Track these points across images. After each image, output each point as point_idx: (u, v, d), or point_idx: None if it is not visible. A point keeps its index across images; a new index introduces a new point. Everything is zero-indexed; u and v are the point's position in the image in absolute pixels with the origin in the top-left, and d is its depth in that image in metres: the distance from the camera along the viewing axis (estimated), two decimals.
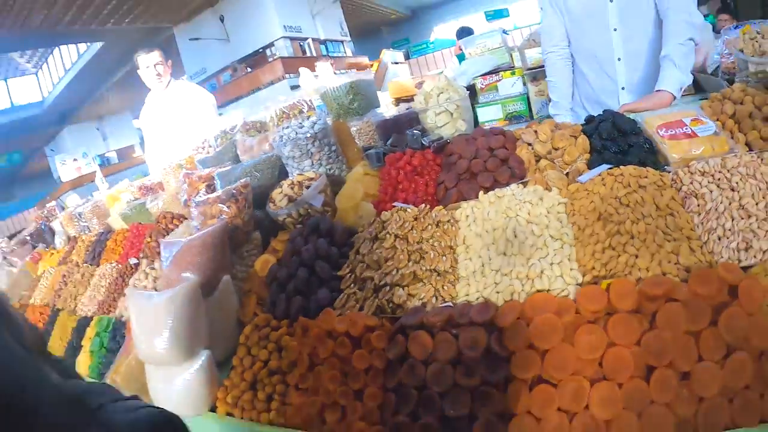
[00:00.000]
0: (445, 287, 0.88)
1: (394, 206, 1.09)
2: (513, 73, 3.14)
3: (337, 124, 1.44)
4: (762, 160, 0.95)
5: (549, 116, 2.47)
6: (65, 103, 25.20)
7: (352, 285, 0.97)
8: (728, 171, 0.94)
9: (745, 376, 0.65)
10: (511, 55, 3.38)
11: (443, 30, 33.98)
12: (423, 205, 1.05)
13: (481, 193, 1.03)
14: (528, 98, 3.09)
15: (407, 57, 30.03)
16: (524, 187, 1.04)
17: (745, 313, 0.68)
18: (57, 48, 22.62)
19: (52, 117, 26.35)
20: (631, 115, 1.25)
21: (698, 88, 2.46)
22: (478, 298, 0.84)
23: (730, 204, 0.87)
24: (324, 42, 20.81)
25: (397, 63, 26.10)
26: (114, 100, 26.76)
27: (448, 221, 1.00)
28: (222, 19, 16.43)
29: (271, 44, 16.94)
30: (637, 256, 0.81)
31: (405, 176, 1.17)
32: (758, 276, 0.73)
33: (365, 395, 0.81)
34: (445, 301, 0.86)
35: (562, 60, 1.89)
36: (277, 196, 1.25)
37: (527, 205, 0.97)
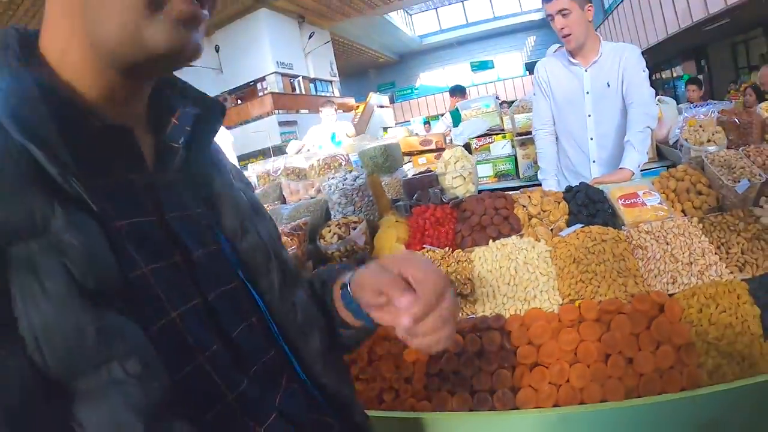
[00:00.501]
0: (467, 306, 1.24)
1: (424, 248, 1.46)
2: (504, 137, 3.60)
3: (372, 178, 1.82)
4: (691, 223, 1.35)
5: (534, 176, 2.92)
6: None
7: None
8: (665, 231, 1.33)
9: (669, 360, 1.01)
10: (502, 118, 3.84)
11: (428, 77, 34.90)
12: (447, 248, 1.42)
13: (490, 241, 1.41)
14: (516, 160, 3.52)
15: (392, 101, 30.37)
16: (521, 238, 1.42)
17: (668, 322, 1.05)
18: None
19: None
20: (600, 186, 1.65)
21: (661, 155, 2.94)
22: (491, 313, 1.20)
23: (664, 253, 1.26)
24: (314, 81, 21.42)
25: (382, 107, 26.60)
26: None
27: (466, 260, 1.37)
28: (217, 49, 16.89)
29: (263, 78, 17.36)
30: (599, 286, 1.18)
31: (430, 225, 1.54)
32: (678, 299, 1.11)
33: (413, 380, 1.15)
34: (469, 315, 1.21)
35: (548, 136, 2.34)
36: (327, 234, 1.61)
37: (524, 251, 1.35)
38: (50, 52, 0.50)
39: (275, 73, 16.78)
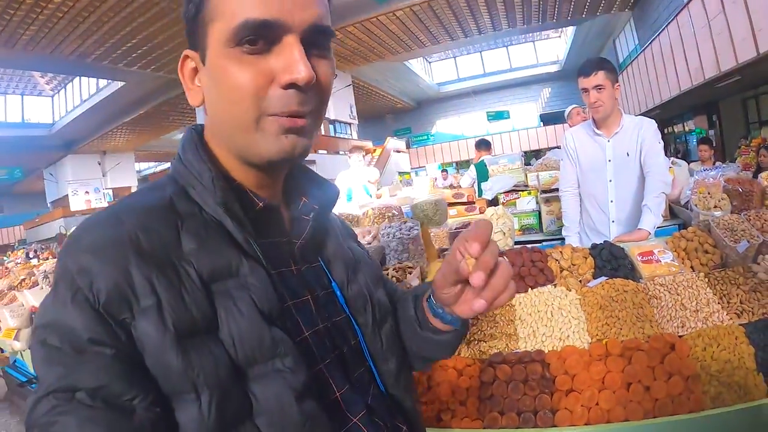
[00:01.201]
0: (512, 342, 1.51)
1: None
2: (529, 193, 3.89)
3: (423, 229, 2.10)
4: (698, 277, 1.61)
5: (556, 231, 3.20)
6: (73, 131, 24.95)
7: None
8: (676, 284, 1.59)
9: (678, 389, 1.26)
10: (526, 175, 4.12)
11: (444, 124, 35.14)
12: None
13: (528, 289, 1.69)
14: (540, 215, 3.77)
15: (408, 146, 30.40)
16: (555, 287, 1.69)
17: (678, 358, 1.31)
18: (78, 77, 22.31)
19: (57, 142, 25.70)
20: (621, 245, 1.93)
21: (673, 214, 3.21)
22: (533, 349, 1.46)
23: (675, 302, 1.52)
24: (333, 122, 21.86)
25: (399, 151, 26.72)
26: (121, 139, 26.45)
27: (508, 305, 1.64)
28: None
29: None
30: (621, 329, 1.44)
31: None
32: (686, 340, 1.37)
33: (467, 403, 1.40)
34: (514, 350, 1.48)
35: (573, 198, 2.63)
36: (386, 276, 1.89)
37: (558, 298, 1.62)
38: (213, 147, 0.69)
39: None
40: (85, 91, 22.68)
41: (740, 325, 1.40)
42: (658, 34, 11.67)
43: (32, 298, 3.96)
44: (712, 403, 1.25)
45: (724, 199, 2.00)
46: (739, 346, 1.33)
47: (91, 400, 0.50)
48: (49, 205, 28.90)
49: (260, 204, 0.67)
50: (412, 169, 25.32)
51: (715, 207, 1.99)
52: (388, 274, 1.88)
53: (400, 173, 21.92)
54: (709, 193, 2.06)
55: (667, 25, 11.04)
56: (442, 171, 14.67)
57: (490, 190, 4.03)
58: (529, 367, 1.38)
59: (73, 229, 0.60)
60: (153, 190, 0.65)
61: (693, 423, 1.21)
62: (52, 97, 26.13)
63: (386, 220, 2.47)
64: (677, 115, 15.06)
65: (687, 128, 14.89)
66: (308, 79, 0.58)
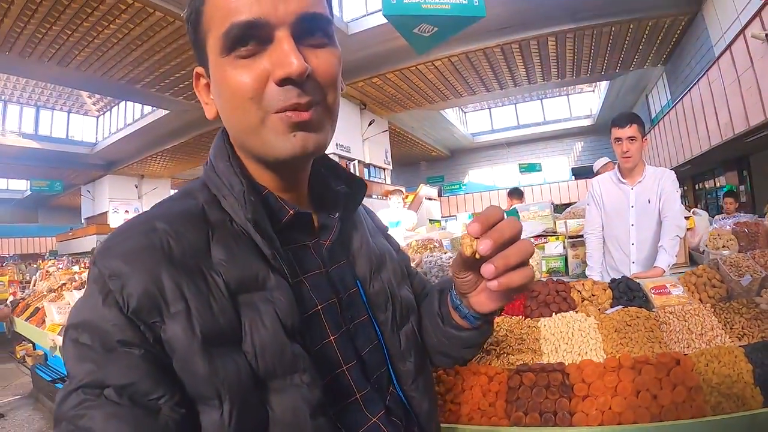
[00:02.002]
0: (535, 357, 1.73)
1: (501, 316, 1.96)
2: (557, 239, 4.09)
3: None
4: (704, 307, 1.81)
5: (580, 274, 3.39)
6: (114, 152, 25.72)
7: (482, 353, 1.81)
8: (684, 312, 1.79)
9: (682, 397, 1.45)
10: (555, 222, 4.33)
11: (477, 174, 35.15)
12: (520, 316, 1.92)
13: (553, 314, 1.91)
14: (566, 259, 3.97)
15: (440, 194, 30.17)
16: (576, 313, 1.91)
17: (683, 371, 1.50)
18: (125, 102, 23.17)
19: (98, 161, 26.78)
20: (637, 280, 2.13)
21: (693, 261, 3.37)
22: (555, 361, 1.68)
23: (682, 328, 1.72)
24: (368, 166, 22.18)
25: (431, 199, 26.65)
26: (159, 165, 27.37)
27: (534, 326, 1.86)
28: None
29: None
30: (633, 348, 1.65)
31: None
32: (691, 357, 1.56)
33: (496, 405, 1.61)
34: (539, 362, 1.69)
35: (597, 240, 2.85)
36: None
37: (578, 322, 1.83)
38: (238, 151, 0.69)
39: (333, 154, 17.68)
40: (129, 115, 23.58)
41: (740, 346, 1.59)
42: (689, 89, 11.89)
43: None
44: (712, 411, 1.43)
45: (732, 239, 2.21)
46: (738, 363, 1.52)
47: (119, 397, 0.52)
48: (83, 221, 29.84)
49: (291, 211, 0.68)
50: (442, 217, 25.34)
51: (724, 246, 2.19)
52: None
53: (431, 220, 22.11)
54: (719, 235, 2.26)
55: (697, 81, 11.28)
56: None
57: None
58: (551, 375, 1.59)
59: (108, 234, 0.62)
60: (185, 196, 0.66)
61: (695, 427, 1.40)
62: (97, 117, 27.31)
63: (428, 250, 2.74)
64: (708, 170, 15.03)
65: (718, 184, 14.80)
66: (300, 71, 0.57)
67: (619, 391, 1.51)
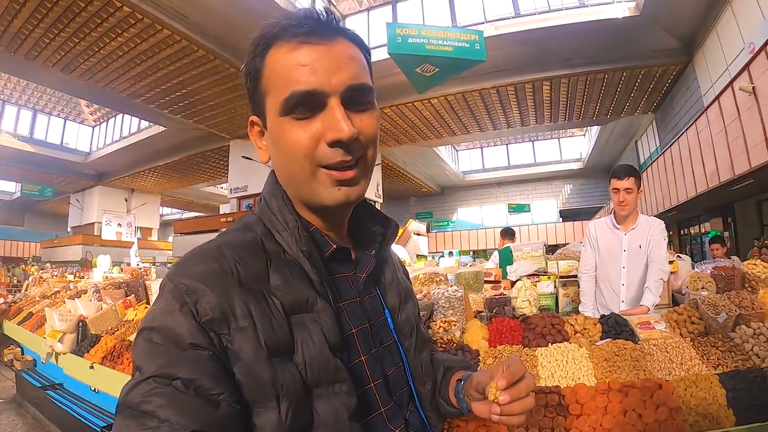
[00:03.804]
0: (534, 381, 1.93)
1: (501, 345, 2.17)
2: (548, 278, 4.31)
3: (465, 293, 2.58)
4: (684, 341, 2.03)
5: (572, 310, 3.60)
6: (107, 164, 25.62)
7: None
8: (666, 345, 2.00)
9: (664, 416, 1.65)
10: (547, 262, 4.55)
11: (465, 212, 35.08)
12: (518, 346, 2.13)
13: (549, 344, 2.12)
14: (557, 297, 4.17)
15: (428, 230, 29.75)
16: (570, 344, 2.12)
17: (665, 394, 1.71)
18: (122, 114, 23.04)
19: (90, 171, 26.59)
20: (624, 317, 2.35)
21: (675, 302, 3.60)
22: (552, 385, 1.88)
23: (664, 358, 1.93)
24: None
25: (419, 234, 26.37)
26: (150, 180, 27.23)
27: (532, 355, 2.07)
28: None
29: None
30: (620, 375, 1.86)
31: (507, 331, 2.26)
32: (672, 382, 1.77)
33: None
34: (537, 385, 1.89)
35: (591, 279, 3.08)
36: (435, 326, 2.33)
37: (572, 351, 2.04)
38: (288, 192, 0.77)
39: None
40: (125, 128, 23.47)
41: (716, 373, 1.81)
42: (678, 137, 12.25)
43: (82, 307, 4.25)
44: (690, 429, 1.63)
45: (711, 281, 2.44)
46: (714, 388, 1.73)
47: (185, 388, 0.58)
48: (69, 229, 29.24)
49: (334, 246, 0.76)
50: (429, 253, 25.51)
51: (703, 288, 2.43)
52: (436, 325, 2.33)
53: (418, 256, 22.18)
54: (698, 277, 2.50)
55: (686, 130, 11.64)
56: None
57: (514, 272, 4.48)
58: (549, 396, 1.79)
59: (184, 254, 0.71)
60: (246, 229, 0.75)
61: None
62: (93, 127, 27.11)
63: (434, 283, 2.97)
64: (694, 216, 15.36)
65: (703, 230, 15.14)
66: (350, 136, 0.66)
67: (609, 410, 1.71)
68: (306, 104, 0.66)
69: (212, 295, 0.63)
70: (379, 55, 11.78)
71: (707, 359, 1.91)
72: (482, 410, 0.78)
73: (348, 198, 0.71)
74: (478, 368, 1.12)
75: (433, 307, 2.42)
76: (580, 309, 3.14)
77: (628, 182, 2.88)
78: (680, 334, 2.14)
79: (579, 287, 3.20)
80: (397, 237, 0.95)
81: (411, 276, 3.33)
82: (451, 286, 2.56)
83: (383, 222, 0.89)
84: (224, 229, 0.82)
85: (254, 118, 0.77)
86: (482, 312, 2.55)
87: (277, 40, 0.69)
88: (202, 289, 0.63)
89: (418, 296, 2.55)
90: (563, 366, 1.97)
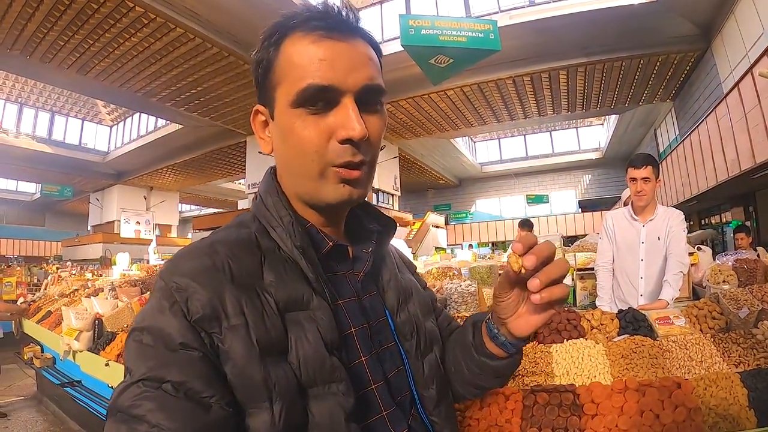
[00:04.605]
0: (548, 379, 1.88)
1: None
2: None
3: (478, 287, 2.54)
4: (704, 337, 1.97)
5: (588, 306, 3.54)
6: (126, 163, 26.05)
7: None
8: (686, 341, 1.95)
9: (683, 417, 1.60)
10: (564, 254, 4.49)
11: (484, 204, 35.01)
12: (533, 342, 2.09)
13: (564, 341, 2.07)
14: (574, 290, 4.12)
15: (447, 222, 29.79)
16: (585, 340, 2.07)
17: (683, 393, 1.66)
18: (139, 114, 23.46)
19: (109, 170, 27.11)
20: (643, 312, 2.29)
21: (696, 295, 3.52)
22: (567, 383, 1.83)
23: (683, 355, 1.87)
24: (377, 191, 22.16)
25: (437, 227, 26.37)
26: (169, 178, 27.70)
27: (547, 351, 2.02)
28: None
29: None
30: (638, 373, 1.81)
31: None
32: (691, 381, 1.72)
33: (512, 421, 1.77)
34: (552, 383, 1.85)
35: (608, 272, 3.02)
36: None
37: (587, 348, 1.99)
38: (285, 189, 0.77)
39: None
40: (143, 127, 23.86)
41: (737, 372, 1.75)
42: (697, 126, 12.02)
43: (98, 305, 4.29)
44: (710, 431, 1.58)
45: (732, 275, 2.37)
46: (735, 388, 1.67)
47: (175, 391, 0.57)
48: (89, 228, 29.83)
49: (330, 243, 0.76)
50: (448, 245, 25.54)
51: (724, 281, 2.35)
52: None
53: (436, 248, 22.04)
54: (719, 270, 2.43)
55: (705, 117, 11.41)
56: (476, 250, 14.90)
57: None
58: (563, 395, 1.75)
59: (176, 252, 0.70)
60: (240, 226, 0.75)
61: None
62: (111, 127, 27.58)
63: (448, 277, 2.93)
64: (714, 206, 15.10)
65: (724, 219, 14.87)
66: (362, 135, 0.67)
67: (625, 410, 1.67)
68: (320, 99, 0.66)
69: (203, 292, 0.62)
70: (393, 47, 11.66)
71: (728, 356, 1.85)
72: (522, 318, 0.74)
73: (350, 197, 0.71)
74: None
75: (446, 302, 2.39)
76: (597, 303, 3.08)
77: (645, 171, 2.81)
78: (700, 330, 2.08)
79: (596, 280, 3.13)
80: (395, 233, 0.92)
81: (424, 270, 3.31)
82: (465, 280, 2.52)
83: (380, 220, 0.88)
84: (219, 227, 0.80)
85: (260, 107, 0.76)
86: None
87: (295, 31, 0.69)
88: (193, 287, 0.62)
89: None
90: (579, 363, 1.93)
